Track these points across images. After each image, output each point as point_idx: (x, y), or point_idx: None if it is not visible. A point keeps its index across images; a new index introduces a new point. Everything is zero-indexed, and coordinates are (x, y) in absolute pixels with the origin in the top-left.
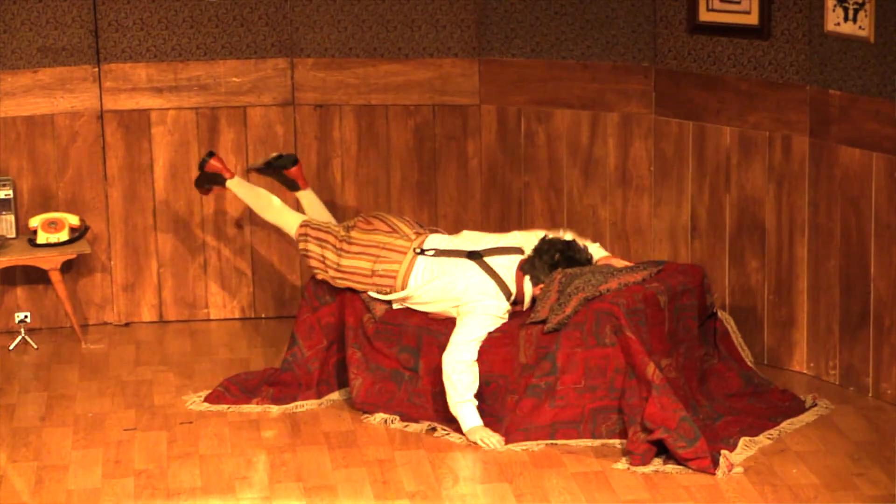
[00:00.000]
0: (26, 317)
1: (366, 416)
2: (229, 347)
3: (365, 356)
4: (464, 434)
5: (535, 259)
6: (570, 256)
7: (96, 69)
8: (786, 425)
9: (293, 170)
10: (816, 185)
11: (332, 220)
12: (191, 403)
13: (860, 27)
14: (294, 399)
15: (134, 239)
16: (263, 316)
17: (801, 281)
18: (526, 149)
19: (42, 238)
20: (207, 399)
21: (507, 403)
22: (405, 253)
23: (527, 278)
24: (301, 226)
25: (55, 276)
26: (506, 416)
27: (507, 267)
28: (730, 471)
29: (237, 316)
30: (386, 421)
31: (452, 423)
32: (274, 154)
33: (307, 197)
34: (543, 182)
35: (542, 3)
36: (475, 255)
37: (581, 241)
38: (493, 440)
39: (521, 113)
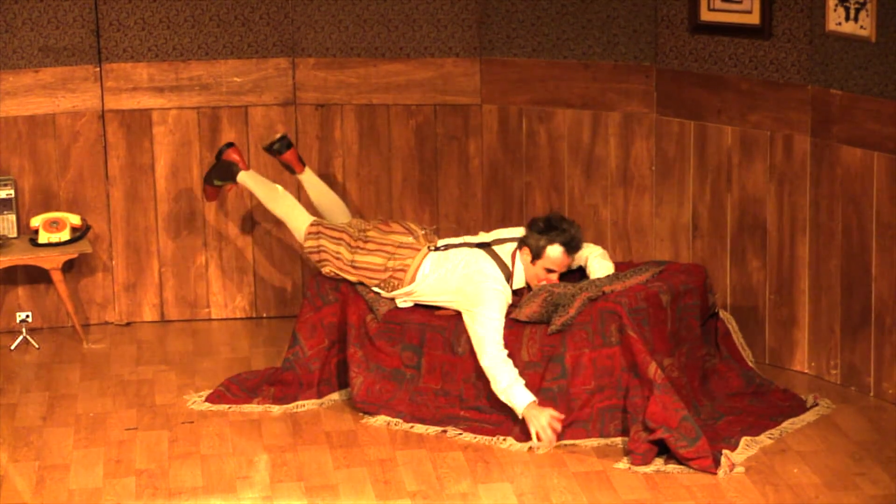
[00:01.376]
0: (28, 316)
1: (367, 417)
2: (231, 347)
3: (366, 355)
4: (520, 417)
5: (527, 231)
6: (550, 221)
7: (98, 69)
8: (787, 425)
9: (286, 154)
10: (818, 184)
11: (337, 200)
12: (192, 403)
13: (861, 27)
14: (295, 399)
15: (135, 238)
16: (265, 315)
17: (803, 280)
18: (527, 148)
19: (43, 238)
20: (209, 399)
21: None
22: (419, 250)
23: (517, 252)
24: (313, 224)
25: (56, 276)
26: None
27: (509, 252)
28: (731, 470)
29: (239, 315)
30: (389, 424)
31: (459, 421)
32: (279, 134)
33: (307, 179)
34: (545, 182)
35: (544, 2)
36: (483, 245)
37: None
38: (547, 433)
39: (523, 112)
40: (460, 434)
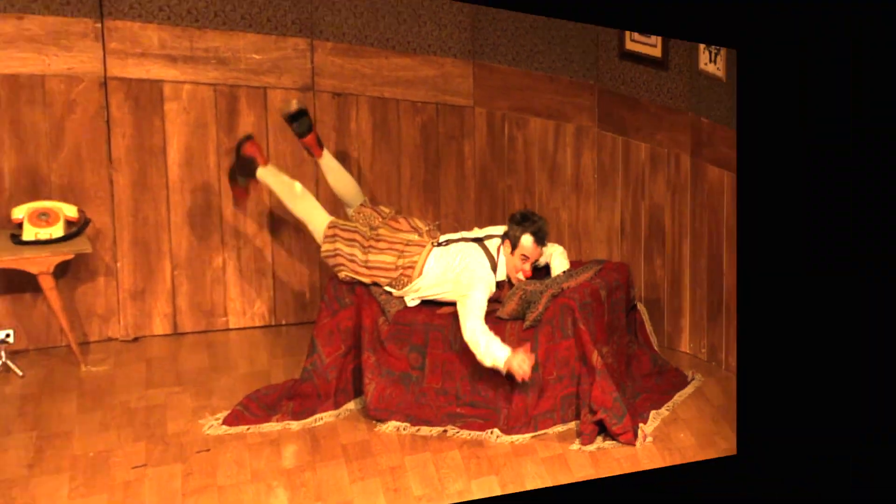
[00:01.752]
0: (8, 335)
1: (379, 425)
2: (249, 360)
3: (378, 360)
4: (503, 369)
5: (508, 225)
6: (525, 214)
7: (98, 24)
8: (677, 398)
9: (308, 138)
10: (694, 197)
11: (354, 183)
12: (208, 428)
13: (718, 68)
14: (313, 412)
15: (144, 235)
16: (284, 322)
17: (686, 276)
18: (509, 153)
19: (30, 233)
20: (226, 421)
21: (499, 394)
22: (424, 246)
23: (501, 246)
24: (330, 226)
25: (46, 283)
26: (501, 408)
27: (495, 246)
28: (645, 440)
29: (258, 324)
30: (398, 429)
31: (456, 419)
32: (299, 107)
33: (325, 164)
34: (521, 185)
35: (520, 13)
36: (477, 240)
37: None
38: (524, 368)
39: (505, 118)
40: (458, 432)
